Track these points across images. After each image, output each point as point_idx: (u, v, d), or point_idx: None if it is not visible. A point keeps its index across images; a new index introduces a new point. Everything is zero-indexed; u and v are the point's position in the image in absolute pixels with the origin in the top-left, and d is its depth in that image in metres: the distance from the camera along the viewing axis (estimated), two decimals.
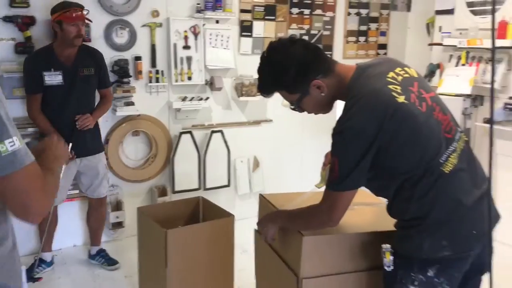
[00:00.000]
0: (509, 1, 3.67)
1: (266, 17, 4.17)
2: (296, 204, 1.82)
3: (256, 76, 4.08)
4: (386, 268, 1.61)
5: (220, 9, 3.89)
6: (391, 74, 1.59)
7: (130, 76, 3.65)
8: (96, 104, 3.32)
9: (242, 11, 4.07)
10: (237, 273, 2.88)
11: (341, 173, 1.54)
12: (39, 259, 3.34)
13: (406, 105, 1.53)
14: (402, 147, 1.52)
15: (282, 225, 1.80)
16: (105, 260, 3.49)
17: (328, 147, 4.37)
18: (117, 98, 3.61)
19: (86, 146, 3.22)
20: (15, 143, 1.10)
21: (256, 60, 4.25)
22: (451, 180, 1.54)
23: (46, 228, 3.23)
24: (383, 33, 4.80)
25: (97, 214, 3.49)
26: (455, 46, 3.96)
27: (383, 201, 2.05)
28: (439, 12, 4.37)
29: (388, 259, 1.59)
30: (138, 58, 3.71)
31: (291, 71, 1.60)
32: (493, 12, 1.14)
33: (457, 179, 1.55)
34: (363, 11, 4.64)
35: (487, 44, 3.69)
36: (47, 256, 3.41)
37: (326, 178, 1.88)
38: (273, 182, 4.45)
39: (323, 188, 1.72)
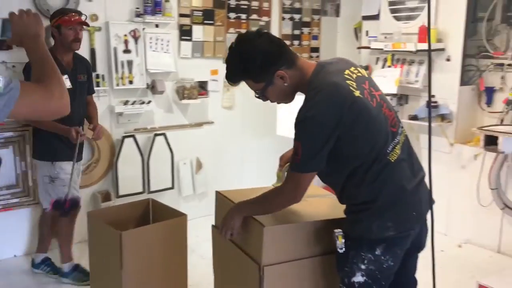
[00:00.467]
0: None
1: (205, 22, 4.26)
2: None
3: (196, 79, 4.20)
4: (338, 250, 1.78)
5: (160, 14, 3.94)
6: (347, 71, 1.76)
7: None
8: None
9: (181, 15, 4.13)
10: (188, 272, 2.95)
11: (304, 157, 1.68)
12: None
13: (361, 99, 1.71)
14: (357, 137, 1.70)
15: (247, 214, 1.90)
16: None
17: (268, 149, 4.57)
18: None
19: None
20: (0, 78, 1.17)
21: (196, 64, 4.39)
22: (396, 168, 1.74)
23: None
24: (315, 37, 5.06)
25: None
26: (382, 49, 4.28)
27: (331, 194, 2.24)
28: (365, 18, 4.70)
29: (340, 241, 1.76)
30: None
31: (257, 61, 1.71)
32: (429, 19, 1.33)
33: (400, 167, 1.76)
34: (296, 16, 4.87)
35: (410, 47, 4.03)
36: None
37: (282, 178, 2.06)
38: (215, 183, 4.52)
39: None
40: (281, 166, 2.14)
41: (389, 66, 4.32)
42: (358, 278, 1.76)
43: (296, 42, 4.91)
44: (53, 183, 3.15)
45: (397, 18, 4.32)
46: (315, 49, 5.09)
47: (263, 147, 4.67)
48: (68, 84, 3.08)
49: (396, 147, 1.76)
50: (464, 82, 4.01)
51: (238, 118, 4.59)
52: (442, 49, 3.99)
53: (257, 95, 1.84)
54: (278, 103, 1.91)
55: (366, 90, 1.75)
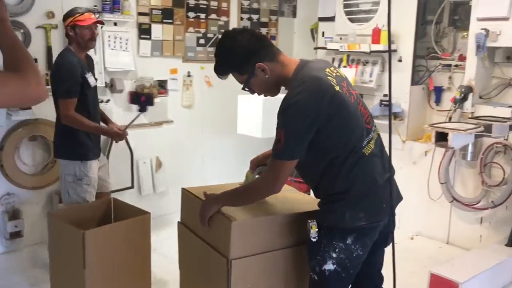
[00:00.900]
0: (381, 10, 4.20)
1: (164, 21, 4.26)
2: None
3: (156, 78, 4.19)
4: (312, 239, 1.86)
5: (118, 12, 3.90)
6: (327, 70, 1.87)
7: None
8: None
9: (140, 14, 4.11)
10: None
11: (286, 144, 1.74)
12: None
13: (341, 94, 1.82)
14: (336, 129, 1.79)
15: (226, 205, 1.94)
16: None
17: (228, 147, 4.60)
18: None
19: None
20: None
21: (155, 63, 4.37)
22: (369, 161, 1.85)
23: None
24: (273, 37, 5.15)
25: None
26: (337, 50, 4.41)
27: (294, 189, 2.33)
28: (321, 19, 4.82)
29: (314, 231, 1.85)
30: None
31: (238, 54, 1.83)
32: (389, 22, 1.42)
33: (373, 162, 1.87)
34: (254, 16, 4.94)
35: (365, 48, 4.18)
36: None
37: (252, 179, 2.13)
38: (175, 182, 4.52)
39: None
40: (252, 168, 2.19)
41: (345, 66, 4.46)
42: (329, 266, 1.84)
43: None
44: (80, 181, 3.11)
45: (352, 20, 4.47)
46: None
47: (223, 146, 4.72)
48: (93, 81, 3.17)
49: (370, 142, 1.87)
50: (414, 82, 4.21)
51: (198, 117, 4.62)
52: (394, 50, 4.16)
53: (243, 88, 1.93)
54: (265, 95, 1.98)
55: (345, 88, 1.87)
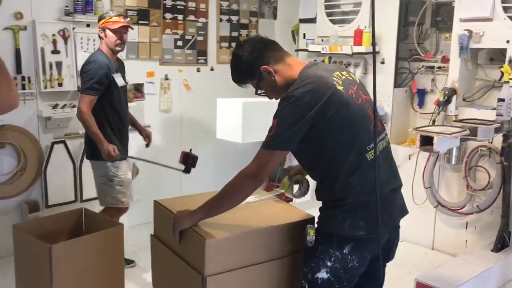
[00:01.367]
0: (363, 11, 4.11)
1: (140, 22, 4.12)
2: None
3: (131, 81, 4.04)
4: (308, 244, 1.78)
5: (91, 12, 3.75)
6: (336, 73, 1.83)
7: None
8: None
9: None
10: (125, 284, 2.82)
11: (277, 132, 1.70)
12: None
13: (343, 93, 1.76)
14: (334, 128, 1.73)
15: (201, 219, 1.81)
16: None
17: (207, 153, 4.44)
18: None
19: None
20: None
21: (131, 65, 4.22)
22: (373, 167, 1.75)
23: None
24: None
25: None
26: (319, 52, 4.31)
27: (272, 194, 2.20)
28: (302, 21, 4.73)
29: (311, 236, 1.77)
30: None
31: (245, 60, 1.86)
32: (373, 23, 1.31)
33: (377, 167, 1.75)
34: (234, 18, 4.82)
35: (346, 50, 4.09)
36: None
37: (288, 188, 2.12)
38: (153, 189, 4.39)
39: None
40: (290, 176, 2.15)
41: (323, 62, 4.37)
42: (322, 274, 1.76)
43: (234, 44, 4.86)
44: (111, 183, 3.23)
45: (333, 21, 4.38)
46: None
47: (202, 151, 4.52)
48: (122, 81, 3.26)
49: (375, 149, 1.78)
50: (397, 84, 4.13)
51: (176, 121, 4.47)
52: (377, 52, 4.08)
53: (256, 92, 1.95)
54: (276, 98, 1.92)
55: (352, 90, 1.81)
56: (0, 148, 3.54)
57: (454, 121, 3.18)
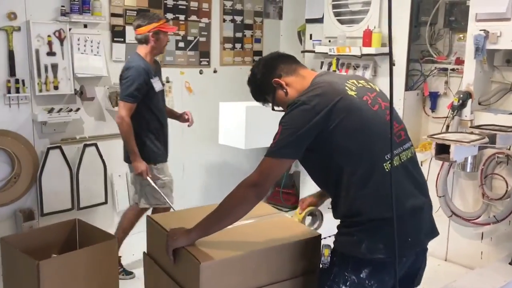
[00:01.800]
0: (372, 10, 3.93)
1: None
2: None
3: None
4: (322, 265, 1.65)
5: (88, 13, 3.60)
6: (352, 80, 1.73)
7: None
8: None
9: (113, 15, 3.81)
10: None
11: (281, 139, 1.60)
12: None
13: (355, 98, 1.64)
14: (344, 134, 1.60)
15: (198, 237, 1.66)
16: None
17: (210, 158, 4.26)
18: None
19: None
20: None
21: None
22: (390, 179, 1.57)
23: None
24: (258, 40, 4.87)
25: None
26: (326, 53, 4.14)
27: (279, 212, 2.04)
28: (309, 21, 4.55)
29: (326, 256, 1.65)
30: None
31: (259, 76, 1.82)
32: (389, 24, 1.14)
33: (397, 181, 1.59)
34: (238, 18, 4.65)
35: (355, 51, 3.91)
36: None
37: (302, 220, 1.99)
38: None
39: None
40: (303, 209, 2.04)
41: (334, 71, 4.19)
42: None
43: (238, 45, 4.70)
44: (156, 184, 3.24)
45: (341, 22, 4.20)
46: (258, 53, 4.90)
47: (204, 157, 4.40)
48: (160, 86, 3.26)
49: (395, 159, 1.64)
50: (408, 87, 3.95)
51: (176, 125, 4.29)
52: (387, 54, 3.90)
53: (272, 108, 1.87)
54: None
55: (368, 97, 1.70)
56: None
57: (470, 127, 2.99)
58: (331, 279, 1.63)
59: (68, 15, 3.52)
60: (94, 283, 2.41)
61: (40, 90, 3.46)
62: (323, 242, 1.74)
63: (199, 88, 4.42)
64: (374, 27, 3.89)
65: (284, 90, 1.77)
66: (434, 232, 1.75)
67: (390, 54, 1.23)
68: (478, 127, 2.95)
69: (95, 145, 3.78)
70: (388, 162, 1.60)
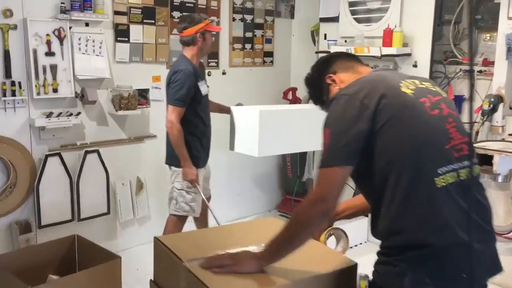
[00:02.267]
0: (393, 8, 3.69)
1: (145, 21, 3.72)
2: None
3: (135, 86, 3.65)
4: None
5: (90, 10, 3.36)
6: (411, 80, 1.53)
7: None
8: None
9: (117, 13, 3.56)
10: None
11: (332, 145, 1.41)
12: None
13: (409, 96, 1.45)
14: (393, 137, 1.39)
15: (269, 262, 1.46)
16: None
17: (221, 166, 3.99)
18: None
19: None
20: None
21: (135, 68, 3.83)
22: (442, 198, 1.34)
23: None
24: (268, 40, 4.62)
25: None
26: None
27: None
28: (323, 20, 4.31)
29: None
30: None
31: (313, 74, 1.72)
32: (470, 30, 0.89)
33: (450, 201, 1.35)
34: (248, 17, 4.41)
35: (375, 51, 3.66)
36: None
37: (324, 242, 1.75)
38: (159, 205, 3.99)
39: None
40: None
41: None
42: None
43: (248, 46, 4.45)
44: (188, 190, 3.18)
45: (358, 20, 3.96)
46: (269, 54, 4.65)
47: (215, 165, 4.12)
48: (206, 89, 3.22)
49: (450, 174, 1.37)
50: None
51: None
52: (409, 54, 3.65)
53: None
54: None
55: (428, 99, 1.47)
56: None
57: (510, 134, 2.72)
58: None
59: (68, 12, 3.28)
60: None
61: (38, 93, 3.23)
62: (359, 272, 1.50)
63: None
64: (395, 26, 3.64)
65: (338, 88, 1.61)
66: (497, 268, 1.47)
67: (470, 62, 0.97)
68: None
69: (97, 151, 3.54)
70: (441, 176, 1.35)
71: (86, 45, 3.41)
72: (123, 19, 3.60)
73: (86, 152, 3.48)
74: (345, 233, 1.82)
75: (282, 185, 4.91)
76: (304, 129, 3.32)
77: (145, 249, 3.80)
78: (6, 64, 3.11)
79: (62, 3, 3.27)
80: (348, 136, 1.38)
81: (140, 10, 3.68)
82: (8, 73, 3.12)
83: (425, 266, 1.33)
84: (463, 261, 1.33)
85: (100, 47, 3.46)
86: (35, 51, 3.20)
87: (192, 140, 3.14)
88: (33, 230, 3.29)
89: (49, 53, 3.26)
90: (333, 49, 4.00)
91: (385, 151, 1.38)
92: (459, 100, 3.66)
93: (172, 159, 3.19)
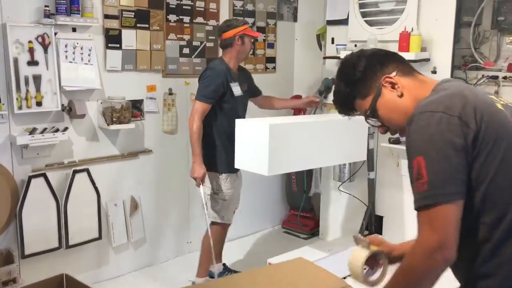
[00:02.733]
0: (409, 9, 3.40)
1: (138, 25, 3.39)
2: None
3: (129, 97, 3.30)
4: None
5: (78, 14, 3.03)
6: (491, 96, 1.37)
7: None
8: None
9: (107, 16, 3.24)
10: None
11: (435, 176, 1.15)
12: None
13: (505, 113, 1.25)
14: (496, 165, 1.17)
15: None
16: None
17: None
18: None
19: None
20: None
21: (127, 78, 3.49)
22: None
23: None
24: (270, 45, 4.31)
25: None
26: None
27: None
28: (330, 23, 4.01)
29: None
30: None
31: (358, 67, 1.40)
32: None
33: None
34: (249, 20, 4.08)
35: None
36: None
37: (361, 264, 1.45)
38: (156, 227, 3.68)
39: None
40: (367, 242, 1.48)
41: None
42: None
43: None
44: (215, 196, 3.15)
45: (370, 23, 3.67)
46: (271, 60, 4.34)
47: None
48: (239, 91, 3.17)
49: None
50: None
51: (182, 144, 3.73)
52: (427, 60, 3.36)
53: (368, 119, 1.43)
54: (393, 128, 1.43)
55: None
56: None
57: None
58: None
59: (53, 16, 2.96)
60: None
61: (20, 107, 2.89)
62: None
63: None
64: (412, 29, 3.35)
65: (398, 94, 1.35)
66: None
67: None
68: None
69: (87, 170, 3.20)
70: None
71: (73, 53, 3.09)
72: (114, 24, 3.28)
73: (75, 172, 3.15)
74: (387, 264, 1.51)
75: (287, 199, 4.60)
76: (318, 144, 3.04)
77: (141, 275, 3.50)
78: None
79: (46, 6, 2.94)
80: (453, 163, 1.15)
81: (133, 13, 3.36)
82: None
83: None
84: None
85: (89, 55, 3.14)
86: (16, 60, 2.87)
87: (220, 142, 3.13)
88: (15, 261, 2.95)
89: (32, 62, 2.93)
90: (343, 54, 3.72)
91: (483, 181, 1.18)
92: None
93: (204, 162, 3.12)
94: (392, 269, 1.33)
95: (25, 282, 2.82)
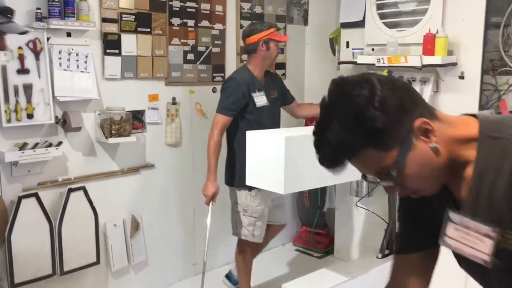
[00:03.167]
0: (433, 9, 3.13)
1: (139, 29, 3.14)
2: None
3: (129, 108, 3.02)
4: None
5: (73, 17, 2.78)
6: None
7: None
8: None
9: (105, 20, 2.99)
10: None
11: None
12: None
13: None
14: None
15: None
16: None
17: (227, 198, 3.33)
18: None
19: None
20: None
21: (127, 87, 3.19)
22: None
23: None
24: (280, 50, 4.03)
25: None
26: (373, 64, 3.32)
27: None
28: (345, 25, 3.75)
29: None
30: None
31: (384, 102, 0.97)
32: None
33: None
34: None
35: (414, 61, 3.10)
36: None
37: None
38: (158, 248, 3.40)
39: None
40: None
41: None
42: None
43: None
44: (245, 213, 3.02)
45: (389, 25, 3.40)
46: (281, 65, 4.07)
47: (223, 198, 3.50)
48: (264, 100, 3.03)
49: None
50: (481, 105, 3.14)
51: (187, 158, 3.46)
52: (454, 64, 3.09)
53: (382, 181, 1.04)
54: (418, 189, 1.06)
55: None
56: None
57: None
58: None
59: (45, 20, 2.71)
60: None
61: (9, 120, 2.63)
62: None
63: (212, 110, 3.53)
64: (437, 31, 3.08)
65: (432, 145, 1.00)
66: None
67: None
68: None
69: (83, 188, 2.94)
70: None
71: (68, 60, 2.84)
72: (112, 28, 3.02)
73: (70, 190, 2.88)
74: None
75: (298, 215, 4.31)
76: None
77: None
78: None
79: (38, 9, 2.68)
80: None
81: (133, 16, 3.10)
82: None
83: None
84: None
85: (85, 62, 2.90)
86: (4, 68, 2.62)
87: (239, 157, 2.92)
88: None
89: (22, 71, 2.68)
90: (360, 59, 3.44)
91: None
92: None
93: (227, 178, 3.07)
94: None
95: None
